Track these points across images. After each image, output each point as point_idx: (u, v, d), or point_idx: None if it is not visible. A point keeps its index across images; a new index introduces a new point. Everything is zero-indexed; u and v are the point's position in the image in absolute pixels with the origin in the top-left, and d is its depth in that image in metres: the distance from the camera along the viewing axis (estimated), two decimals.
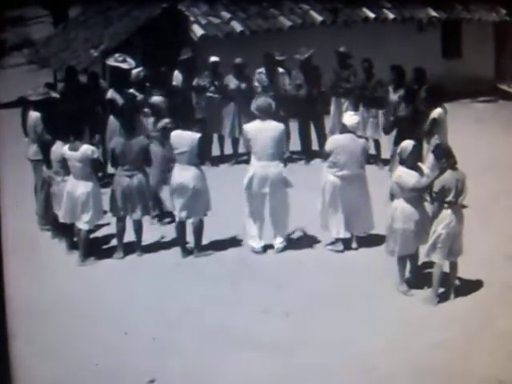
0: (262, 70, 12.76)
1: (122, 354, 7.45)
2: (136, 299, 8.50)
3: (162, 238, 10.00)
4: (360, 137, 9.72)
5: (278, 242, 9.60)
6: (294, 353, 7.41)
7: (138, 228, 9.65)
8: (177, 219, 9.54)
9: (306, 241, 9.81)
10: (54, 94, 10.79)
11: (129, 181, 9.46)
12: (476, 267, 8.63)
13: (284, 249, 9.59)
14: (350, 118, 9.59)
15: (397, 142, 9.77)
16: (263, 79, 12.68)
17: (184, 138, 9.42)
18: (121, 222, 9.64)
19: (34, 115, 10.33)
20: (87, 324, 7.96)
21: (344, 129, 9.50)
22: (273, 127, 9.50)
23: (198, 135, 9.40)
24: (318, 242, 9.75)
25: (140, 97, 11.76)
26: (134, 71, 12.14)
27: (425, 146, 10.34)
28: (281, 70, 12.82)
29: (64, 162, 9.49)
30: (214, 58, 12.77)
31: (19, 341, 6.97)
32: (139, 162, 9.53)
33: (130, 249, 9.65)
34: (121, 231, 9.65)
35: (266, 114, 9.53)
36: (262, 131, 9.43)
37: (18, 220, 9.46)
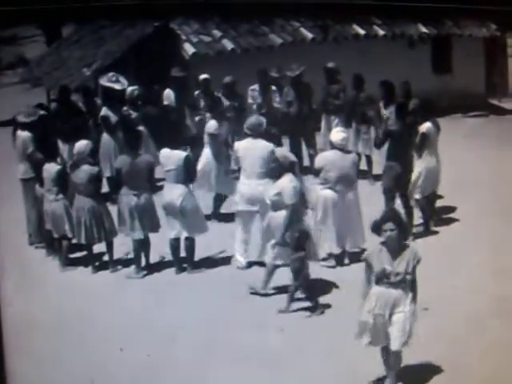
0: (256, 87, 12.82)
1: (117, 370, 7.49)
2: (131, 315, 8.53)
3: (163, 258, 9.93)
4: (349, 152, 9.76)
5: None
6: (289, 367, 7.47)
7: (147, 245, 9.67)
8: (171, 236, 9.58)
9: None
10: (43, 112, 10.83)
11: (137, 200, 9.48)
12: (467, 281, 8.68)
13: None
14: (337, 134, 9.67)
15: (390, 157, 9.83)
16: (256, 96, 12.76)
17: (171, 157, 9.50)
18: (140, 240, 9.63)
19: (22, 135, 10.33)
20: (82, 340, 8.01)
21: (332, 145, 9.58)
22: (262, 147, 9.54)
23: (184, 154, 9.49)
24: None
25: (134, 115, 11.85)
26: (129, 89, 12.22)
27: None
28: (273, 87, 12.89)
29: (57, 180, 9.59)
30: (204, 76, 12.85)
31: (15, 357, 7.04)
32: (145, 180, 9.55)
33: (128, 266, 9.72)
34: (139, 249, 9.63)
35: (256, 132, 9.61)
36: (251, 150, 9.52)
37: (12, 238, 9.47)
